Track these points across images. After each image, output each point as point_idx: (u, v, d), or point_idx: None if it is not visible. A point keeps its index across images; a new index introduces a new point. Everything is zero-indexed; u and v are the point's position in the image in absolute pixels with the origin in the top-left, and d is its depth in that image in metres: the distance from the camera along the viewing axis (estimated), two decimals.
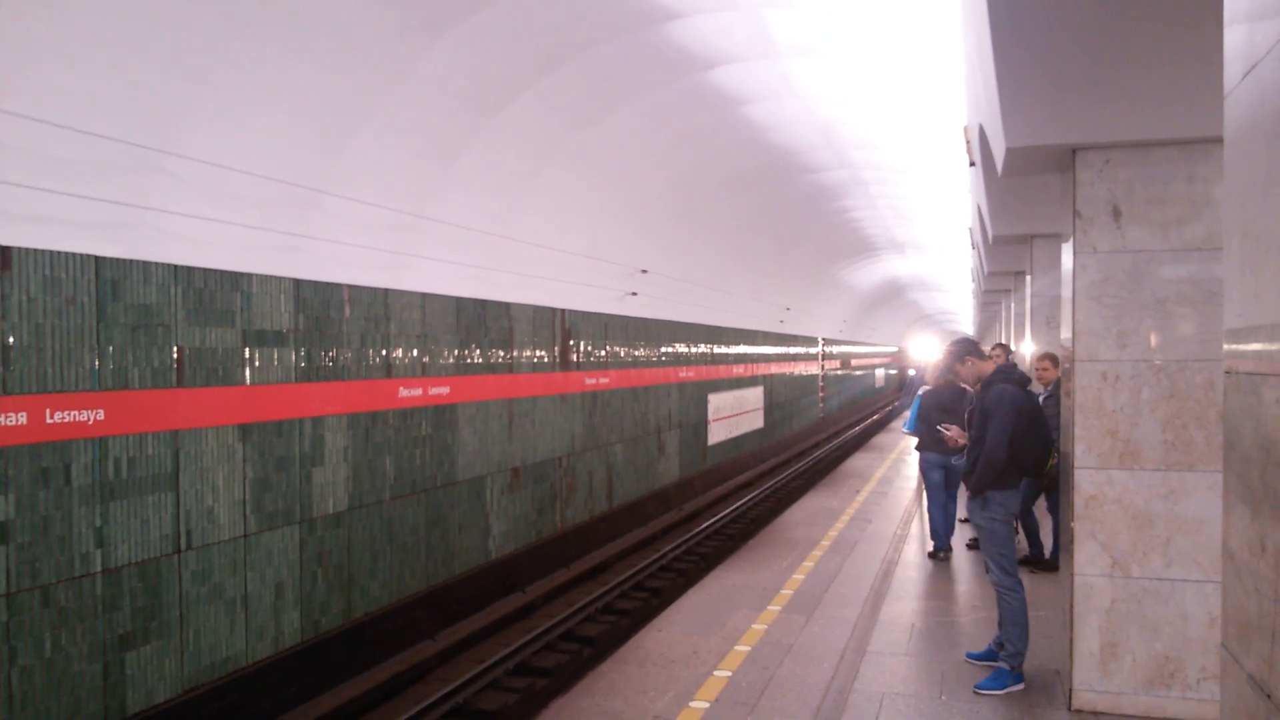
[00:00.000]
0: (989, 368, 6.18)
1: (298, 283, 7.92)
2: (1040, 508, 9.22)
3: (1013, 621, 5.78)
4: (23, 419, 5.76)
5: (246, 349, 7.40)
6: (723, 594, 8.27)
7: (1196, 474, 5.00)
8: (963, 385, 8.83)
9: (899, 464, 17.59)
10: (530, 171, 10.26)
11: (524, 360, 11.65)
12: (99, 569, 6.25)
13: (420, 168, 8.69)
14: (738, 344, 21.53)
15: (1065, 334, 5.53)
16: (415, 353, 9.48)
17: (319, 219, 7.86)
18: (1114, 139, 4.98)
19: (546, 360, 12.26)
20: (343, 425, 8.47)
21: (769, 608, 7.74)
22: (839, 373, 36.03)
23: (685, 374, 17.92)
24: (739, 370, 21.69)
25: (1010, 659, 5.78)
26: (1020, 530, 8.92)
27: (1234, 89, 1.95)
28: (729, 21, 8.70)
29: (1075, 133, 4.98)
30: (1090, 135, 4.98)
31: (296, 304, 7.91)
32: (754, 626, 7.22)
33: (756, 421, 23.21)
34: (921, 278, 32.40)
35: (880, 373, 48.21)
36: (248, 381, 7.42)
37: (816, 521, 11.82)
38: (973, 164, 8.06)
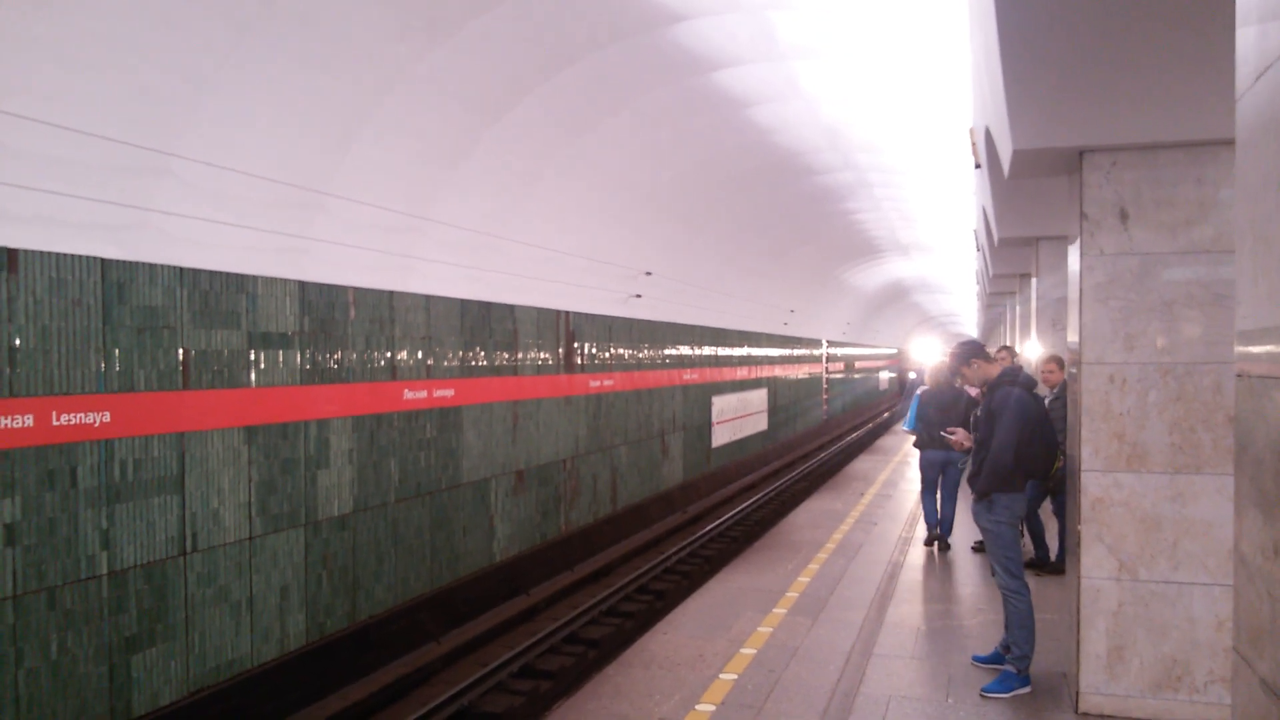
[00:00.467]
0: (995, 370, 6.17)
1: (302, 285, 7.92)
2: (1045, 511, 9.20)
3: (1019, 624, 5.77)
4: (29, 421, 5.76)
5: (252, 351, 7.40)
6: (728, 597, 8.26)
7: (1204, 476, 4.99)
8: (958, 386, 9.61)
9: (903, 466, 17.56)
10: (534, 173, 10.26)
11: (528, 362, 11.65)
12: (105, 571, 6.26)
13: (423, 170, 8.70)
14: (741, 346, 21.52)
15: (1072, 336, 5.52)
16: (420, 355, 9.49)
17: (323, 221, 7.86)
18: (1121, 141, 4.97)
19: (551, 362, 12.26)
20: (348, 427, 8.47)
21: (774, 611, 7.73)
22: (843, 375, 36.01)
23: (689, 376, 17.91)
24: (743, 372, 21.68)
25: (1017, 662, 5.77)
26: (1026, 533, 8.90)
27: (1246, 91, 1.94)
28: (733, 24, 8.70)
29: (1082, 135, 4.97)
30: (1097, 137, 4.97)
31: (301, 306, 7.91)
32: (760, 629, 7.21)
33: (760, 424, 23.19)
34: (926, 280, 32.38)
35: (884, 375, 48.21)
36: (253, 384, 7.42)
37: (821, 524, 11.80)
38: (978, 166, 8.05)
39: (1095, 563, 5.17)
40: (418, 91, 7.80)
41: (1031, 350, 11.66)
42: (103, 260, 6.20)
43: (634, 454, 15.17)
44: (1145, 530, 5.08)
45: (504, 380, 11.08)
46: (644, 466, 15.63)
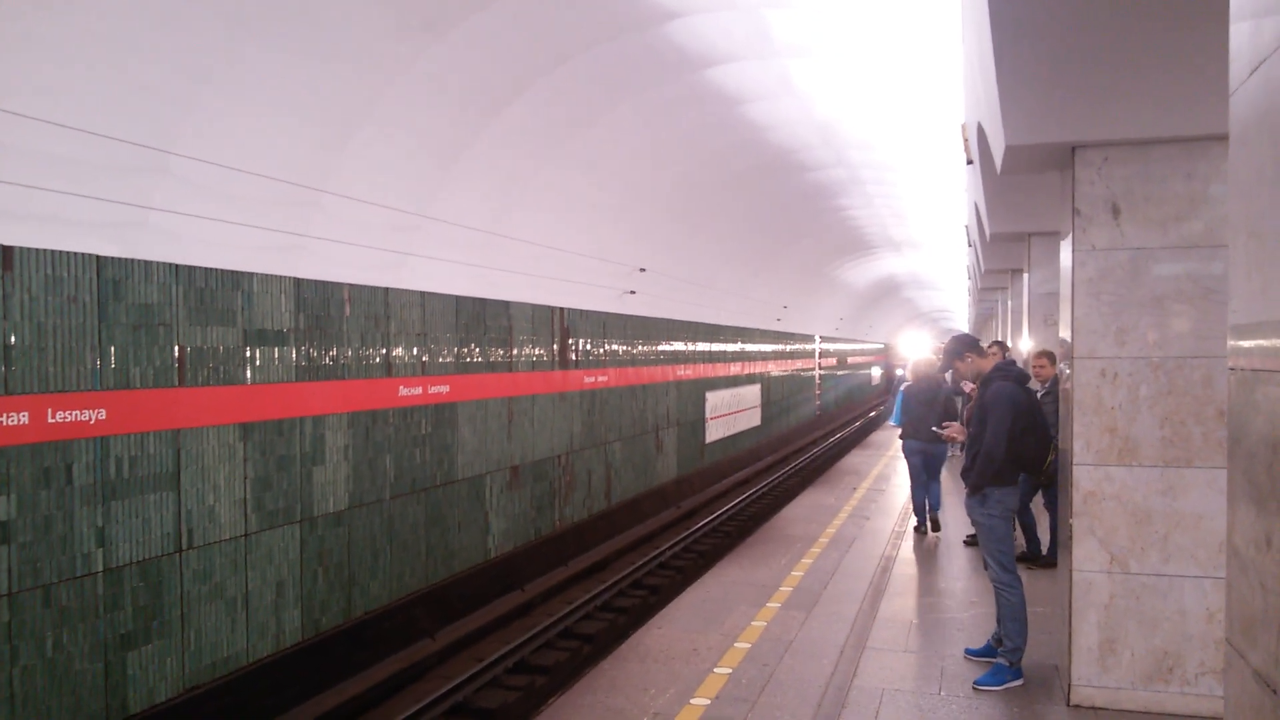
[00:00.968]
0: (988, 365, 6.20)
1: (298, 282, 7.92)
2: (1037, 504, 9.25)
3: (1011, 617, 5.81)
4: (24, 419, 5.76)
5: (247, 348, 7.41)
6: (722, 591, 8.29)
7: (1194, 470, 5.03)
8: (940, 380, 10.18)
9: (895, 461, 17.60)
10: (529, 170, 10.27)
11: (523, 359, 11.66)
12: (100, 568, 6.26)
13: (420, 167, 8.70)
14: (735, 342, 21.56)
15: (1063, 331, 5.55)
16: (415, 351, 9.49)
17: (319, 218, 7.86)
18: (1113, 137, 5.01)
19: (545, 359, 12.27)
20: (343, 424, 8.48)
21: (768, 605, 7.76)
22: (835, 370, 36.07)
23: (683, 372, 17.94)
24: (736, 368, 21.72)
25: (1009, 655, 5.80)
26: (1017, 527, 8.95)
27: (1240, 86, 1.97)
28: (728, 21, 8.72)
29: (1075, 131, 5.01)
30: (1090, 133, 5.00)
31: (297, 303, 7.91)
32: (754, 623, 7.24)
33: (754, 419, 23.23)
34: (917, 276, 32.44)
35: (876, 370, 48.30)
36: (249, 381, 7.42)
37: (814, 518, 11.84)
38: (970, 162, 8.08)
39: (1087, 556, 5.21)
40: (414, 88, 7.80)
41: (1024, 345, 11.71)
42: (98, 257, 6.20)
43: (628, 450, 15.20)
44: (1136, 523, 5.12)
45: (499, 376, 11.09)
46: (638, 462, 15.65)
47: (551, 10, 7.92)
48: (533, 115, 9.36)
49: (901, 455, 11.27)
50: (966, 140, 7.79)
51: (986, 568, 6.06)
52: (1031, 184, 7.52)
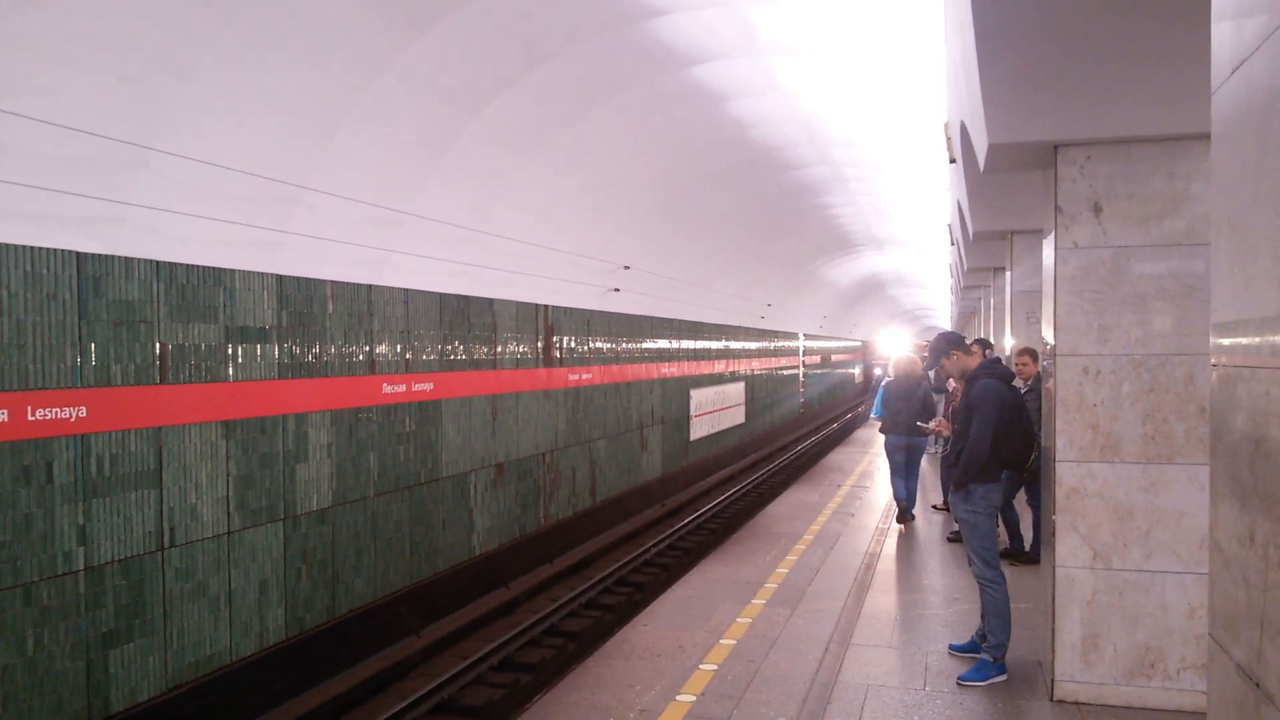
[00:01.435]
0: (973, 362, 6.23)
1: (281, 279, 7.88)
2: (1020, 501, 9.31)
3: (995, 613, 5.84)
4: (3, 416, 5.71)
5: (230, 345, 7.36)
6: (707, 588, 8.30)
7: (1176, 466, 5.07)
8: (918, 377, 10.87)
9: (879, 458, 17.65)
10: (513, 167, 10.24)
11: (507, 356, 11.64)
12: (81, 567, 6.21)
13: (403, 164, 8.67)
14: (719, 340, 21.58)
15: (1046, 329, 5.59)
16: (399, 349, 9.46)
17: (302, 215, 7.82)
18: (1095, 136, 5.04)
19: (530, 356, 12.25)
20: (326, 422, 8.44)
21: (753, 601, 7.78)
22: (819, 368, 36.16)
23: (668, 370, 17.94)
24: (721, 366, 21.74)
25: (993, 650, 5.84)
26: (1000, 523, 9.00)
27: (1222, 85, 1.99)
28: (713, 18, 8.72)
29: (1057, 129, 5.04)
30: (1072, 132, 5.03)
31: (280, 300, 7.87)
32: (739, 620, 7.26)
33: (738, 417, 23.27)
34: (900, 274, 32.56)
35: (859, 367, 48.39)
36: (231, 378, 7.38)
37: (799, 515, 11.87)
38: (953, 160, 8.11)
39: (1070, 552, 5.24)
40: (398, 85, 7.77)
41: (1006, 343, 11.78)
42: (79, 254, 6.15)
43: (613, 447, 15.20)
44: (1119, 520, 5.16)
45: (483, 374, 11.07)
46: (623, 459, 15.65)
47: (535, 6, 7.90)
48: (517, 112, 9.34)
49: (883, 451, 11.66)
50: (949, 139, 7.82)
51: (970, 564, 6.09)
52: (1014, 182, 7.55)
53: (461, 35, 7.70)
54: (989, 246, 11.66)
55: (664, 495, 17.45)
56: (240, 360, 7.47)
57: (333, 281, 8.50)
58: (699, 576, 8.86)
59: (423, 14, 7.24)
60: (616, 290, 14.68)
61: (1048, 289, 5.53)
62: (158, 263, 6.72)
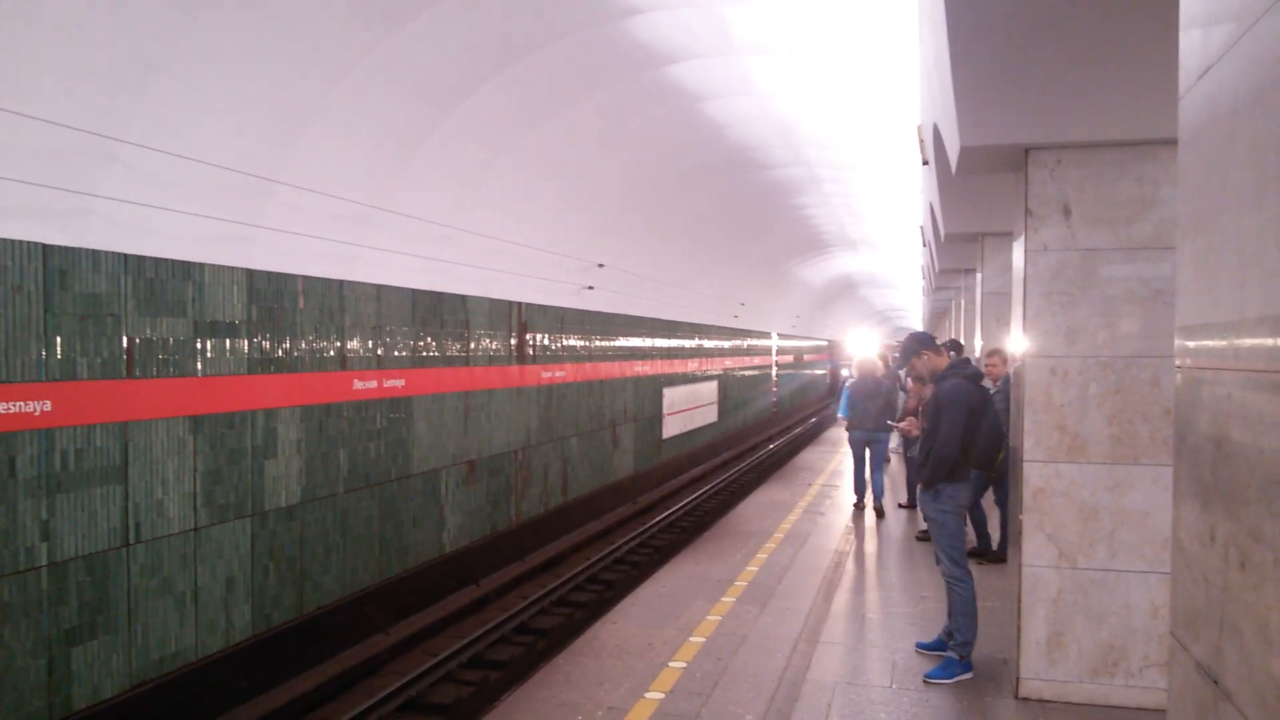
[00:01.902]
0: (943, 362, 6.28)
1: (251, 273, 7.81)
2: (988, 500, 9.39)
3: (962, 612, 5.89)
4: None
5: (198, 340, 7.28)
6: (678, 586, 8.31)
7: (1141, 467, 5.13)
8: (880, 377, 11.71)
9: (849, 457, 17.71)
10: (488, 164, 10.20)
11: (480, 353, 11.60)
12: (44, 563, 6.12)
13: (376, 159, 8.61)
14: (693, 338, 21.61)
15: (1015, 330, 5.64)
16: (370, 345, 9.40)
17: (273, 209, 7.75)
18: (1066, 139, 5.09)
19: (503, 353, 12.21)
20: (296, 417, 8.37)
21: (723, 599, 7.80)
22: (792, 368, 36.30)
23: (641, 368, 17.95)
24: (694, 364, 21.78)
25: (959, 648, 5.89)
26: (968, 522, 9.08)
27: (1189, 90, 2.01)
28: (688, 18, 8.72)
29: (1028, 133, 5.08)
30: (1043, 135, 5.08)
31: (250, 295, 7.80)
32: (709, 618, 7.28)
33: (711, 415, 23.32)
34: (873, 275, 32.74)
35: (826, 368, 48.48)
36: (199, 373, 7.30)
37: (770, 514, 11.92)
38: (926, 163, 8.17)
39: (1036, 551, 5.30)
40: (372, 80, 7.72)
41: (977, 344, 11.88)
42: (44, 246, 6.06)
43: (585, 445, 15.18)
44: (1084, 519, 5.22)
45: (455, 371, 11.02)
46: (595, 457, 15.64)
47: (509, 3, 7.87)
48: (491, 109, 9.31)
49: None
50: (922, 141, 7.87)
51: (938, 562, 6.14)
52: (985, 185, 7.62)
53: (436, 31, 7.66)
54: (960, 248, 11.76)
55: (636, 493, 17.45)
56: (209, 355, 7.39)
57: (304, 276, 8.42)
58: (670, 574, 8.87)
59: (397, 9, 7.20)
60: (590, 288, 14.67)
61: (1017, 290, 5.58)
62: (126, 256, 6.64)
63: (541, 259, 12.69)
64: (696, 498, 17.19)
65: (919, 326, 40.77)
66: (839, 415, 13.29)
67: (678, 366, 20.45)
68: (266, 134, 7.33)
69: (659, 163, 13.33)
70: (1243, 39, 1.70)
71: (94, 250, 6.40)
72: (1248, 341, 1.70)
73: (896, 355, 11.59)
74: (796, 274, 27.67)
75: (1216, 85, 1.85)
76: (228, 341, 7.57)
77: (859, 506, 12.04)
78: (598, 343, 15.70)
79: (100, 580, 6.52)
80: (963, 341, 13.83)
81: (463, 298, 11.14)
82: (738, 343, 26.32)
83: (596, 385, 15.67)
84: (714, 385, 23.61)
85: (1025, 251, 5.29)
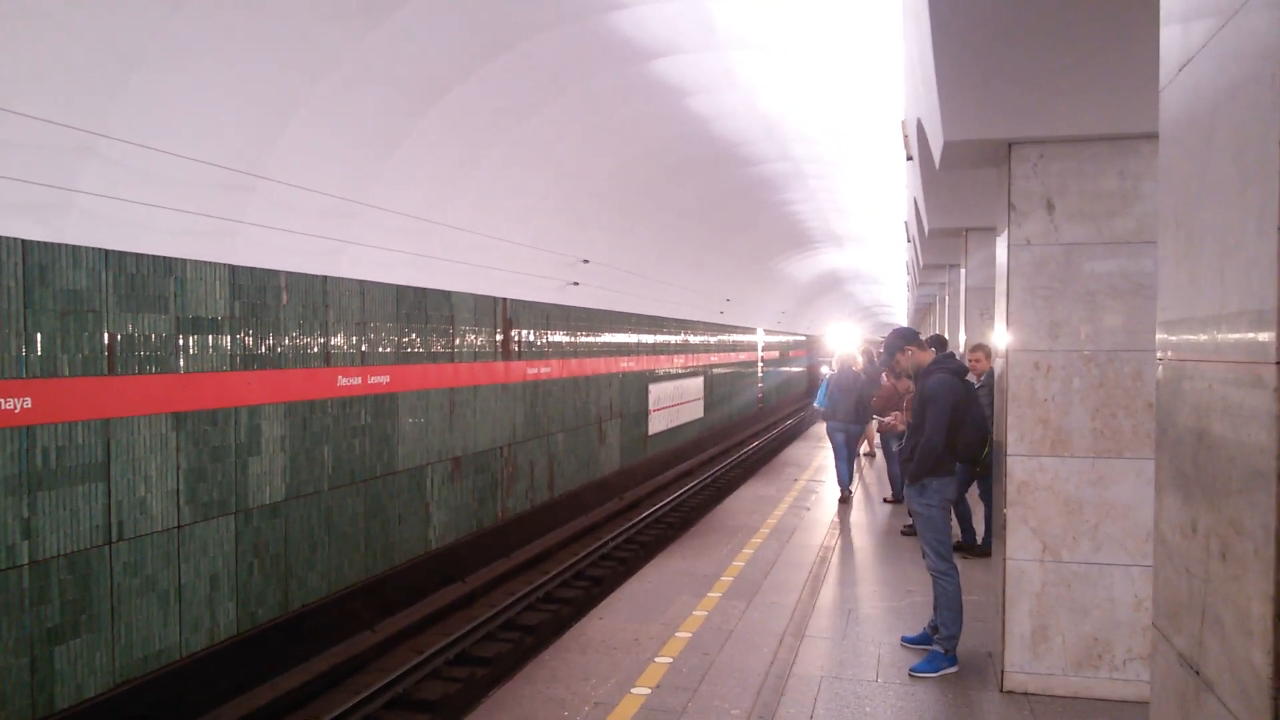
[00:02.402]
0: (927, 357, 6.29)
1: (233, 269, 7.76)
2: (973, 494, 9.43)
3: (947, 605, 5.91)
4: None
5: (180, 336, 7.24)
6: (664, 581, 8.32)
7: (1124, 461, 5.16)
8: (856, 372, 12.24)
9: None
10: (471, 159, 10.17)
11: (465, 349, 11.57)
12: (26, 561, 6.08)
13: (359, 154, 8.57)
14: (679, 334, 21.62)
15: (999, 324, 5.66)
16: (354, 341, 9.36)
17: (255, 204, 7.70)
18: (1048, 134, 5.10)
19: (488, 349, 12.19)
20: (280, 414, 8.33)
21: (710, 594, 7.81)
22: (778, 363, 36.36)
23: (627, 364, 17.94)
24: (680, 360, 21.78)
25: (944, 642, 5.91)
26: (953, 516, 9.11)
27: (1169, 84, 2.02)
28: (672, 12, 8.71)
29: (1011, 128, 5.10)
30: (1025, 130, 5.10)
31: (232, 291, 7.75)
32: (695, 613, 7.28)
33: (697, 411, 23.33)
34: (858, 270, 32.80)
35: (805, 363, 48.46)
36: (182, 369, 7.26)
37: (756, 509, 11.94)
38: (910, 158, 8.19)
39: (1020, 545, 5.32)
40: (354, 74, 7.68)
41: (961, 339, 11.93)
42: (24, 241, 6.00)
43: (571, 441, 15.17)
44: (1068, 513, 5.24)
45: (440, 367, 10.99)
46: (581, 453, 15.63)
47: None
48: (474, 103, 9.27)
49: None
50: (906, 136, 7.89)
51: (924, 556, 6.16)
52: (969, 180, 7.64)
53: (419, 24, 7.62)
54: (944, 243, 11.79)
55: (622, 489, 17.46)
56: (192, 351, 7.35)
57: (287, 272, 8.38)
58: (656, 570, 8.87)
59: (379, 2, 7.16)
60: (576, 284, 14.65)
61: (1001, 285, 5.60)
62: (106, 251, 6.59)
63: (527, 254, 12.66)
64: (683, 493, 17.20)
65: (904, 322, 40.88)
66: (816, 405, 13.83)
67: (663, 362, 20.46)
68: (249, 129, 7.29)
69: (644, 158, 13.31)
70: (1222, 31, 1.71)
71: (74, 246, 6.35)
72: (1228, 334, 1.71)
73: (880, 351, 11.63)
74: (782, 270, 27.70)
75: (1196, 78, 1.85)
76: (210, 338, 7.53)
77: (844, 499, 12.30)
78: (583, 339, 15.69)
79: (83, 578, 6.48)
80: (947, 336, 13.89)
81: (447, 293, 11.11)
82: (723, 338, 26.34)
83: (582, 381, 15.65)
84: (700, 381, 23.62)
85: (1008, 246, 5.31)
